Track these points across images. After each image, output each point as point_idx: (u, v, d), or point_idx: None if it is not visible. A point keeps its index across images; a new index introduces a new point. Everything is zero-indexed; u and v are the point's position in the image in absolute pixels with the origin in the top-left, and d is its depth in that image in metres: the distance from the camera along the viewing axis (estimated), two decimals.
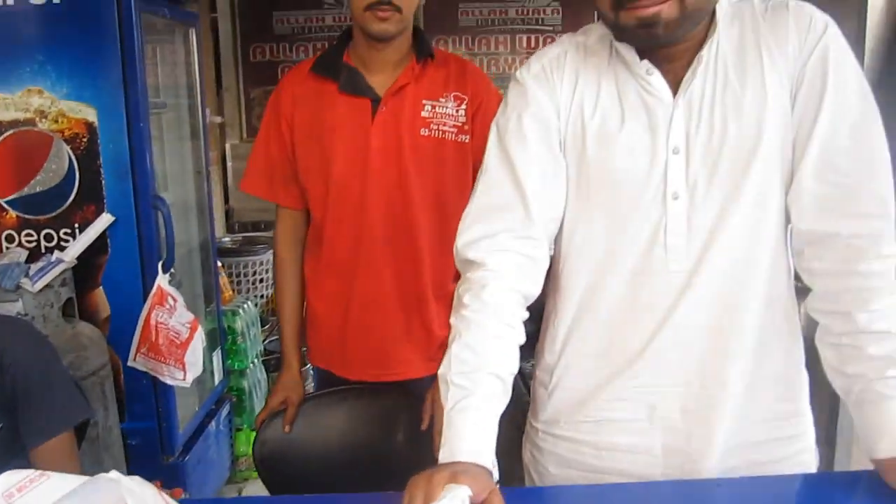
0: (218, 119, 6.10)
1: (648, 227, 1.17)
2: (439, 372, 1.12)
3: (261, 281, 5.33)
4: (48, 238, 2.47)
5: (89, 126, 2.44)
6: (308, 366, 2.08)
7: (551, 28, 5.96)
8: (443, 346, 1.47)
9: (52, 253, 2.40)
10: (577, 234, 1.22)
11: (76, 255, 2.37)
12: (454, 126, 1.75)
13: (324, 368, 1.94)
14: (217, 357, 3.19)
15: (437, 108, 1.74)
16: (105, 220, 2.43)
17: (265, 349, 3.93)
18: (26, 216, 2.47)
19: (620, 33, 1.14)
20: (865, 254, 1.10)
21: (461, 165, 1.77)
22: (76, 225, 2.46)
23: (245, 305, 3.58)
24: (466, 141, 1.76)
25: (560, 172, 1.21)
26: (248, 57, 6.52)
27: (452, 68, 1.79)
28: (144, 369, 2.53)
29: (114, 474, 0.76)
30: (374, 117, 1.73)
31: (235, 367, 3.44)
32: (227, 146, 6.45)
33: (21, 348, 1.72)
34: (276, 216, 1.95)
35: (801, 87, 1.13)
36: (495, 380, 1.09)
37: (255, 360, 3.65)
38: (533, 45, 6.43)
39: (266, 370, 3.78)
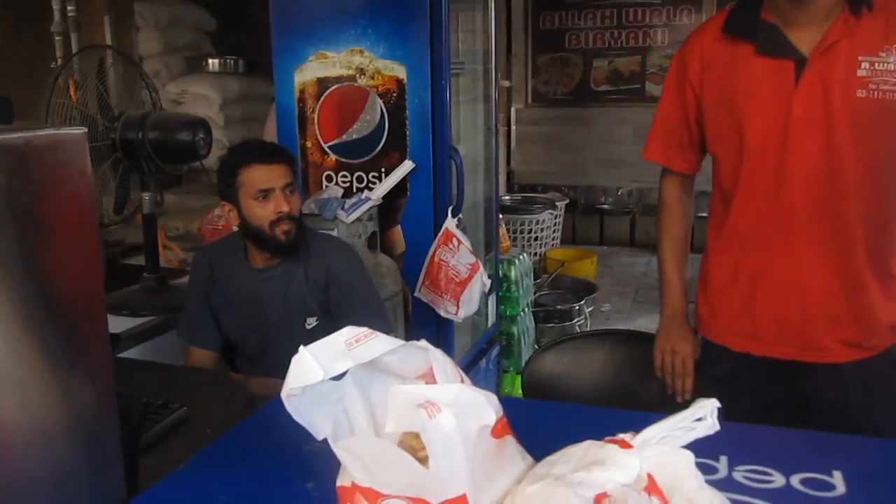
0: (506, 83, 6.37)
1: None
2: None
3: (535, 238, 5.59)
4: (359, 179, 2.85)
5: (399, 82, 2.75)
6: None
7: None
8: (883, 332, 1.62)
9: (362, 192, 2.76)
10: None
11: (381, 195, 2.71)
12: None
13: (719, 343, 1.76)
14: (492, 301, 3.45)
15: (876, 64, 1.48)
16: (407, 166, 2.74)
17: (536, 301, 4.16)
18: (343, 159, 2.86)
19: None
20: None
21: None
22: (382, 169, 2.81)
23: (521, 257, 3.81)
24: None
25: None
26: (537, 25, 6.75)
27: (894, 14, 1.51)
28: (426, 300, 2.83)
29: (423, 343, 0.96)
30: (799, 81, 1.52)
31: (507, 313, 3.69)
32: (513, 110, 6.75)
33: (345, 264, 2.09)
34: (660, 180, 1.86)
35: None
36: None
37: (526, 309, 3.89)
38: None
39: (535, 320, 4.01)
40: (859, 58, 1.49)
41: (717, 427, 0.93)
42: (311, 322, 2.09)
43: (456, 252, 2.80)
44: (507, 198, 6.10)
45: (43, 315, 0.91)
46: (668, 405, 1.76)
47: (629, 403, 1.86)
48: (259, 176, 2.00)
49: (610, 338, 2.07)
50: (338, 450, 0.88)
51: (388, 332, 0.92)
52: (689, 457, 0.91)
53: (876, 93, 1.48)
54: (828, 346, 1.61)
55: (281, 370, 0.90)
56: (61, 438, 0.96)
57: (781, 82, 1.53)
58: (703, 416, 0.93)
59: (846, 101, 1.49)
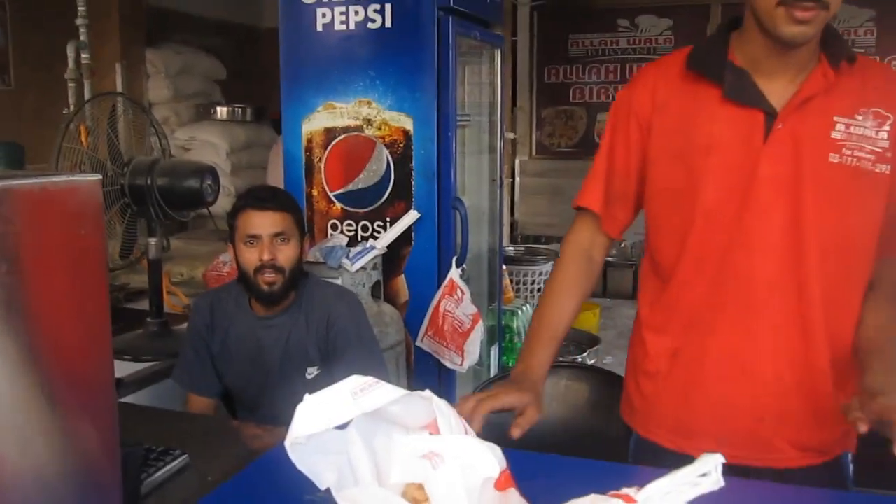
0: (511, 135, 6.43)
1: None
2: None
3: (538, 289, 5.57)
4: (364, 228, 2.87)
5: (406, 133, 2.79)
6: None
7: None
8: (837, 435, 1.39)
9: (367, 241, 2.78)
10: None
11: (386, 245, 2.73)
12: (871, 152, 1.32)
13: (644, 437, 1.51)
14: (494, 351, 3.44)
15: (851, 127, 1.31)
16: (412, 215, 2.77)
17: None
18: (348, 208, 2.89)
19: None
20: None
21: (874, 203, 1.35)
22: (388, 218, 2.83)
23: (524, 308, 3.82)
24: (886, 172, 1.33)
25: None
26: (542, 78, 6.84)
27: (872, 76, 1.36)
28: (429, 350, 2.82)
29: (427, 393, 0.96)
30: (768, 136, 1.32)
31: (510, 363, 3.68)
32: (517, 162, 6.81)
33: (344, 309, 2.08)
34: (568, 237, 1.58)
35: None
36: None
37: None
38: None
39: None
40: (834, 118, 1.32)
41: (722, 483, 0.92)
42: (312, 372, 2.08)
43: (460, 302, 2.81)
44: (510, 249, 6.11)
45: (49, 361, 0.91)
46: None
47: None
48: (250, 221, 1.99)
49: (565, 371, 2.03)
50: (341, 500, 0.87)
51: (385, 380, 0.93)
52: None
53: (850, 159, 1.31)
54: (779, 448, 1.38)
55: (281, 420, 0.90)
56: (63, 485, 0.95)
57: (749, 135, 1.33)
58: (708, 472, 0.93)
59: (817, 165, 1.31)
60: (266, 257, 1.97)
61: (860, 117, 1.31)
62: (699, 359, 1.40)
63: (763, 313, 1.35)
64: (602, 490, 0.94)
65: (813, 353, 1.35)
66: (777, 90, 1.33)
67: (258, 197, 2.03)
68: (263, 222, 1.99)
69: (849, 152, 1.31)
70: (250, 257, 1.99)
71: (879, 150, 1.31)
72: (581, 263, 1.54)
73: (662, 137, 1.42)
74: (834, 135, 1.31)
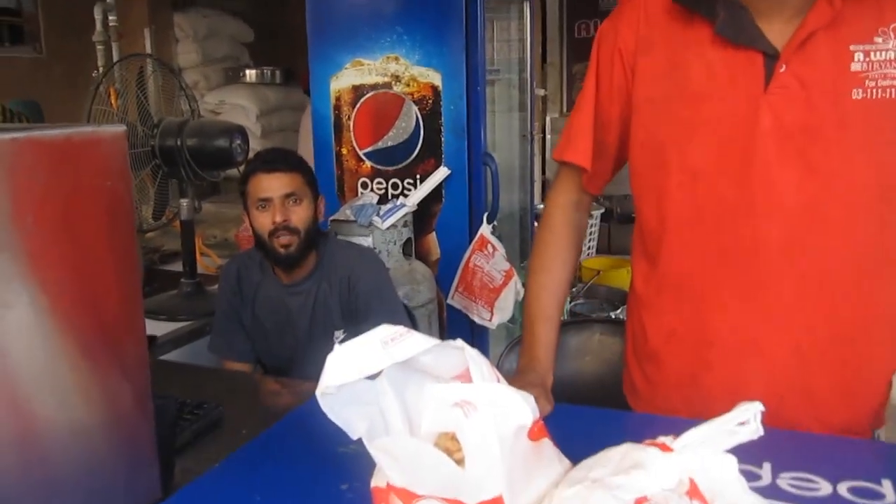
0: (541, 92, 6.36)
1: None
2: None
3: None
4: (394, 186, 2.85)
5: (434, 89, 2.76)
6: None
7: None
8: (869, 412, 1.23)
9: (397, 199, 2.76)
10: None
11: (417, 202, 2.71)
12: None
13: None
14: None
15: (872, 54, 1.11)
16: (442, 172, 2.74)
17: (571, 310, 4.12)
18: (378, 166, 2.87)
19: None
20: None
21: None
22: (418, 176, 2.81)
23: None
24: None
25: None
26: (572, 33, 6.72)
27: None
28: (459, 307, 2.82)
29: (459, 342, 0.94)
30: (769, 82, 1.14)
31: None
32: (548, 119, 6.73)
33: (365, 270, 2.07)
34: (550, 195, 1.45)
35: None
36: None
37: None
38: None
39: None
40: (851, 47, 1.12)
41: (761, 432, 0.90)
42: (339, 335, 2.08)
43: (491, 258, 2.79)
44: (540, 206, 6.07)
45: (81, 312, 0.91)
46: None
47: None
48: (259, 185, 1.97)
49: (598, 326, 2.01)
50: (373, 450, 0.87)
51: None
52: (733, 461, 0.89)
53: (875, 91, 1.11)
54: (804, 427, 1.22)
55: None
56: (97, 436, 0.96)
57: (746, 81, 1.16)
58: (747, 420, 0.91)
59: (838, 107, 1.12)
60: (279, 219, 1.95)
61: (880, 39, 1.11)
62: (704, 338, 1.25)
63: (774, 283, 1.18)
64: (637, 439, 0.92)
65: (837, 321, 1.19)
66: (777, 29, 1.14)
67: (265, 160, 2.01)
68: (272, 185, 1.97)
69: (872, 84, 1.11)
70: (264, 221, 1.98)
71: None
72: (571, 229, 1.41)
73: (646, 82, 1.24)
74: (854, 67, 1.12)
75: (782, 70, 1.13)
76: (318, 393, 0.87)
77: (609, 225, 6.68)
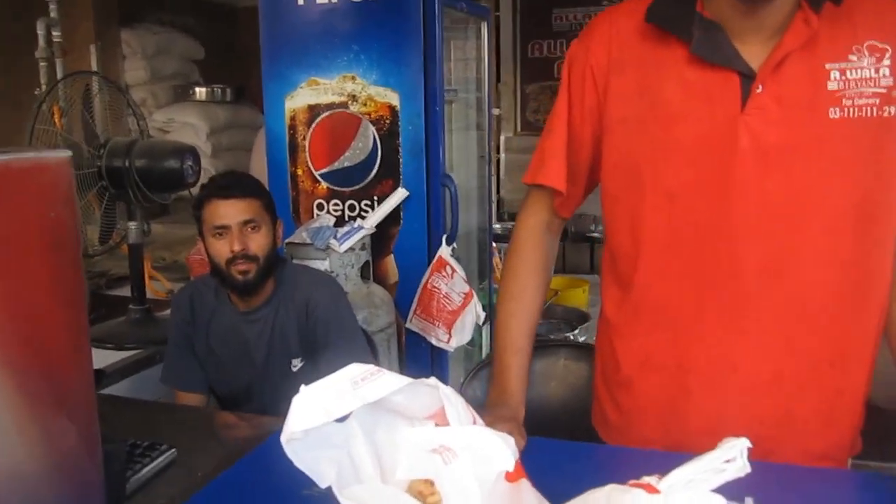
0: (496, 111, 6.37)
1: None
2: None
3: None
4: (351, 208, 2.79)
5: (392, 109, 2.71)
6: None
7: None
8: (851, 438, 1.22)
9: (354, 221, 2.71)
10: None
11: (375, 224, 2.66)
12: (874, 95, 1.10)
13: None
14: (486, 332, 3.38)
15: (847, 72, 1.10)
16: (400, 194, 2.69)
17: None
18: (334, 187, 2.81)
19: None
20: None
21: (890, 155, 1.12)
22: (375, 197, 2.76)
23: None
24: (895, 115, 1.11)
25: None
26: (525, 53, 6.75)
27: (859, 7, 1.12)
28: (417, 329, 2.76)
29: (432, 381, 0.89)
30: (746, 102, 1.12)
31: None
32: (502, 139, 6.73)
33: (324, 298, 2.00)
34: (520, 216, 1.39)
35: None
36: None
37: None
38: None
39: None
40: (826, 66, 1.10)
41: (748, 469, 0.87)
42: (297, 364, 1.99)
43: (449, 279, 2.75)
44: (497, 226, 6.06)
45: (21, 350, 0.84)
46: None
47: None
48: (216, 212, 1.89)
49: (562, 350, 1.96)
50: (344, 500, 0.81)
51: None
52: (721, 502, 0.85)
53: (852, 110, 1.10)
54: (783, 455, 1.18)
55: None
56: (41, 484, 0.88)
57: (723, 101, 1.13)
58: (733, 458, 0.88)
59: (815, 126, 1.11)
60: (237, 248, 1.87)
61: (854, 57, 1.10)
62: (682, 364, 1.21)
63: (753, 307, 1.15)
64: (619, 479, 0.88)
65: (818, 346, 1.17)
66: (753, 50, 1.12)
67: (220, 185, 1.93)
68: (229, 212, 1.89)
69: (849, 102, 1.10)
70: (221, 249, 1.90)
71: (883, 89, 1.10)
72: (541, 253, 1.37)
73: (619, 103, 1.21)
74: (831, 86, 1.10)
75: (759, 90, 1.11)
76: (283, 439, 0.82)
77: (564, 244, 6.70)
